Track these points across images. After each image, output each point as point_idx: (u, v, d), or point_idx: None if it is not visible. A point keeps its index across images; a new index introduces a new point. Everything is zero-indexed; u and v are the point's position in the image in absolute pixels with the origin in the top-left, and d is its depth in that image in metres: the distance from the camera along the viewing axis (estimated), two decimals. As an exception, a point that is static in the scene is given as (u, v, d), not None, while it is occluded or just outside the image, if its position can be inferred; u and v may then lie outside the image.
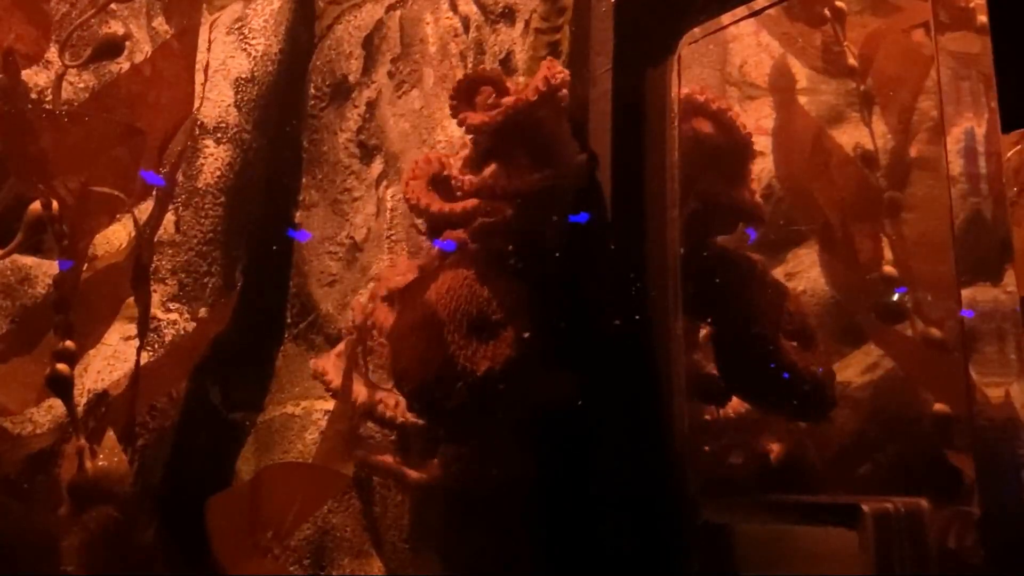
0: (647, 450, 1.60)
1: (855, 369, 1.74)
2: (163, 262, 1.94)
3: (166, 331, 1.88)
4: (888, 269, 1.69)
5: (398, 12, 2.10)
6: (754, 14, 1.65)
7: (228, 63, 2.09)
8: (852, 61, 1.70)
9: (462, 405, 1.51)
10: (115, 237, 1.80)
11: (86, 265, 1.44)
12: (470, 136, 1.63)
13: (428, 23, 2.06)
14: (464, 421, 1.56)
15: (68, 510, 1.33)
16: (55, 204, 1.34)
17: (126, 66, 1.93)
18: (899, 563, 1.31)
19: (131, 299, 1.51)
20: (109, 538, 1.31)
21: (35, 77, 1.89)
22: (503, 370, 1.52)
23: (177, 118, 1.45)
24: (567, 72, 1.60)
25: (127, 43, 1.93)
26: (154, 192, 1.47)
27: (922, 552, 1.33)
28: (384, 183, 2.03)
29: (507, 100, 1.56)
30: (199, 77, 1.47)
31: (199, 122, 2.00)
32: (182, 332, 1.89)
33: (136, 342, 1.69)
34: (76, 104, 1.83)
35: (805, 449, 1.69)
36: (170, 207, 1.84)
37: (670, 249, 1.63)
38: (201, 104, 1.57)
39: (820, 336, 1.79)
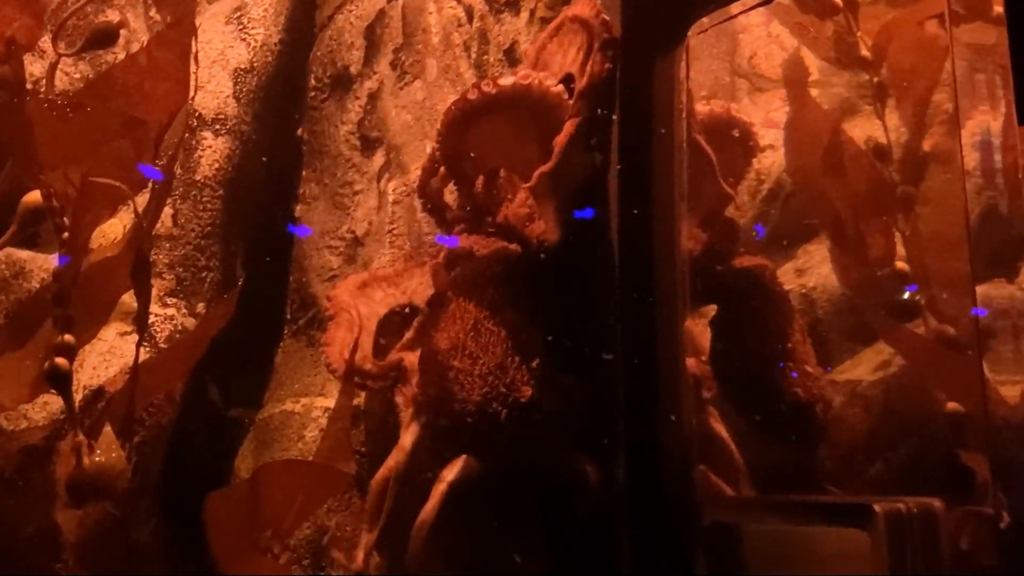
0: (653, 450, 1.60)
1: (867, 367, 1.74)
2: (160, 256, 1.94)
3: (163, 327, 1.89)
4: (901, 265, 1.69)
5: (400, 1, 2.10)
6: (764, 3, 1.66)
7: (227, 53, 2.09)
8: (865, 52, 1.70)
9: (512, 431, 1.52)
10: (110, 230, 1.80)
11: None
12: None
13: (431, 12, 2.06)
14: (510, 447, 1.56)
15: (65, 506, 1.33)
16: (55, 196, 1.34)
17: (122, 56, 1.93)
18: (912, 564, 1.31)
19: (126, 294, 1.51)
20: (107, 535, 1.32)
21: (29, 67, 1.89)
22: (541, 390, 1.53)
23: (172, 109, 1.46)
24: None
25: (123, 32, 1.93)
26: (152, 185, 1.47)
27: (935, 553, 1.33)
28: (386, 176, 2.03)
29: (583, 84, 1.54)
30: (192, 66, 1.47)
31: (197, 113, 2.01)
32: (180, 327, 1.89)
33: (132, 337, 1.70)
34: (71, 94, 1.83)
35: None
36: (167, 200, 1.84)
37: (679, 245, 1.63)
38: (195, 94, 1.58)
39: (830, 336, 1.79)
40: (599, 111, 1.59)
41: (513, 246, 1.58)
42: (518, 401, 1.51)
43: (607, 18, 1.57)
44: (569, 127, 1.54)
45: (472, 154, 1.62)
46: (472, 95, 1.57)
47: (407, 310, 1.80)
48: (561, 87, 1.57)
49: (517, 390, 1.52)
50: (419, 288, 1.79)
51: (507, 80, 1.57)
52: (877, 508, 1.31)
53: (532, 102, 1.56)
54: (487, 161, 1.64)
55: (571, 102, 1.56)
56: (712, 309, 1.73)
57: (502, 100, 1.56)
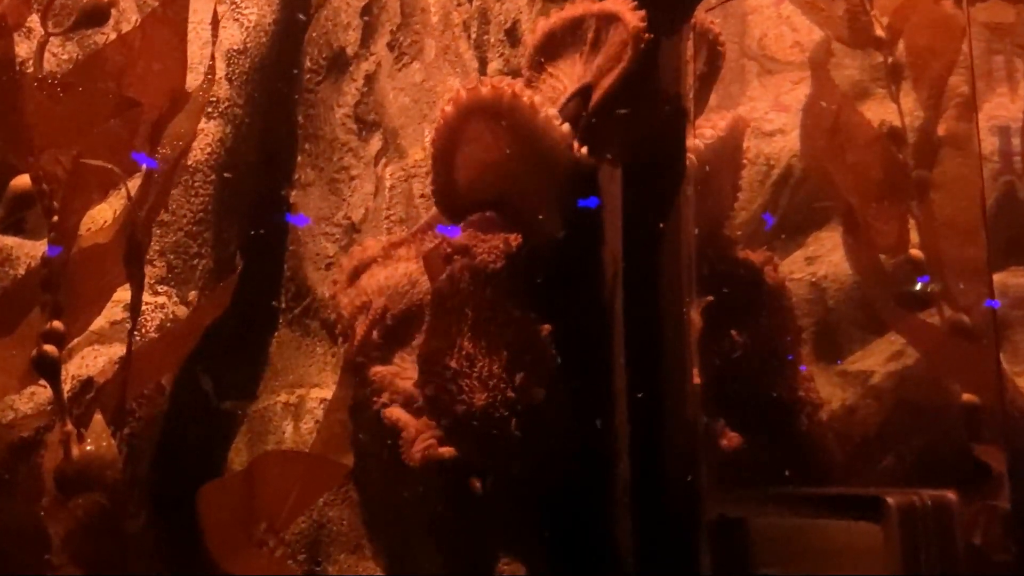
0: (658, 443, 1.61)
1: (879, 357, 1.75)
2: (151, 243, 1.94)
3: (154, 315, 1.89)
4: (915, 252, 1.69)
5: (398, -20, 2.10)
6: (775, -19, 1.66)
7: (220, 34, 2.08)
8: (880, 32, 1.70)
9: (523, 437, 1.52)
10: (100, 215, 1.80)
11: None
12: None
13: (430, -9, 2.06)
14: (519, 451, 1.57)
15: (53, 499, 1.33)
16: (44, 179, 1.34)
17: (111, 35, 1.93)
18: (925, 558, 1.31)
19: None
20: (97, 526, 1.32)
21: (16, 47, 1.89)
22: (550, 394, 1.54)
23: (168, 91, 1.45)
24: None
25: (112, 11, 1.93)
26: (152, 174, 1.46)
27: (950, 547, 1.34)
28: (383, 161, 2.03)
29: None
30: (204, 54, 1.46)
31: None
32: (171, 316, 1.90)
33: (122, 326, 1.71)
34: (61, 75, 1.83)
35: (825, 439, 1.70)
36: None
37: (685, 231, 1.64)
38: (212, 84, 1.58)
39: (841, 326, 1.80)
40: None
41: (513, 238, 1.58)
42: (528, 406, 1.51)
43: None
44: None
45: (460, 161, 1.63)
46: (447, 106, 1.58)
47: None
48: (538, 100, 1.56)
49: (527, 396, 1.52)
50: (411, 263, 1.80)
51: (478, 89, 1.57)
52: (890, 500, 1.31)
53: (503, 113, 1.55)
54: (469, 168, 1.64)
55: (555, 115, 1.56)
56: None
57: (473, 109, 1.56)
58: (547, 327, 1.56)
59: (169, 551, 1.61)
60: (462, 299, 1.56)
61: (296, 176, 2.15)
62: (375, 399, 1.66)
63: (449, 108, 1.58)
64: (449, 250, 1.60)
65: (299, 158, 2.16)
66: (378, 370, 1.67)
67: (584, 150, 1.57)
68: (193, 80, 1.94)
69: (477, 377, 1.52)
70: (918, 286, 1.69)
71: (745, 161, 1.82)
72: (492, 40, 1.96)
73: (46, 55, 1.70)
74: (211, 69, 1.54)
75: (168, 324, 1.88)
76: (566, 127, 1.55)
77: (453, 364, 1.54)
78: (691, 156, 1.65)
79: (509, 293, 1.56)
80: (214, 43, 1.50)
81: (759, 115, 1.99)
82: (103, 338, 1.81)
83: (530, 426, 1.53)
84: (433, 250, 1.65)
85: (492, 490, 1.63)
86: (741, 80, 2.01)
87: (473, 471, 1.58)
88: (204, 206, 2.00)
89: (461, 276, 1.56)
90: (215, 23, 1.56)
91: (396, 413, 1.62)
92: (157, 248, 1.95)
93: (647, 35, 1.54)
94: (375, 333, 1.69)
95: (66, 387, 1.65)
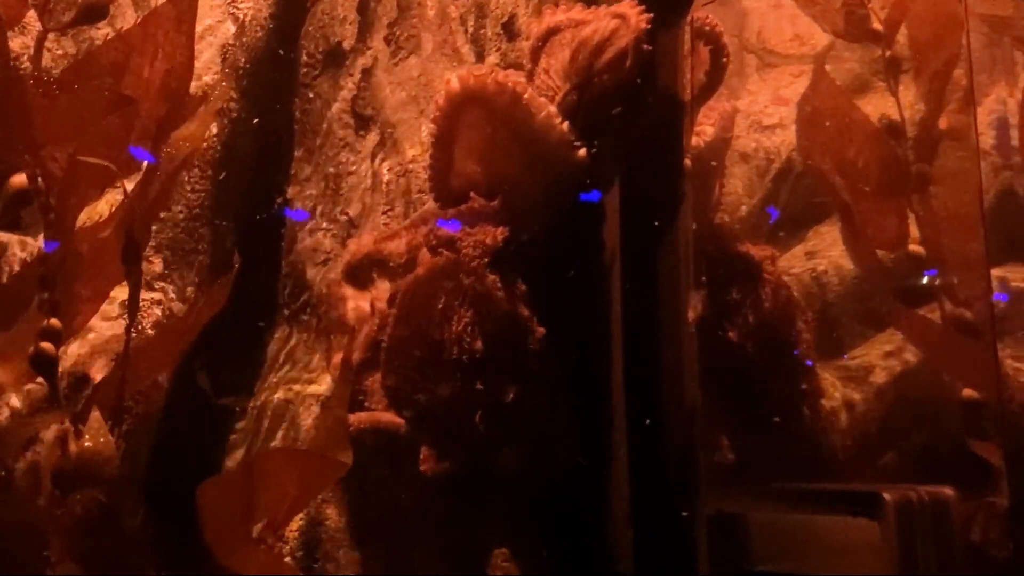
0: (656, 438, 1.62)
1: (879, 352, 1.76)
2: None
3: (150, 311, 1.90)
4: (914, 247, 1.70)
5: (395, -26, 2.11)
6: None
7: (215, 28, 2.10)
8: (877, 25, 1.70)
9: (488, 432, 1.51)
10: (96, 212, 1.81)
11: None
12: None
13: (426, -15, 2.07)
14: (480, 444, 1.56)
15: (51, 496, 1.35)
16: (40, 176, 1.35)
17: (108, 32, 1.95)
18: (923, 555, 1.33)
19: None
20: (95, 523, 1.33)
21: (11, 43, 1.90)
22: (532, 388, 1.53)
23: (172, 91, 1.46)
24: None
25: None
26: (153, 171, 1.47)
27: (947, 543, 1.35)
28: (380, 155, 2.04)
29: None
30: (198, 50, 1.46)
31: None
32: (168, 312, 1.91)
33: (116, 322, 1.72)
34: (57, 72, 1.84)
35: (824, 435, 1.71)
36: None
37: (683, 226, 1.65)
38: (227, 92, 1.59)
39: (841, 321, 1.81)
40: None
41: (500, 231, 1.58)
42: (497, 401, 1.50)
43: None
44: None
45: (458, 144, 1.64)
46: (453, 82, 1.58)
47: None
48: (538, 102, 1.57)
49: (497, 391, 1.51)
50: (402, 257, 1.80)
51: (484, 79, 1.57)
52: (887, 496, 1.32)
53: (500, 110, 1.56)
54: (466, 153, 1.65)
55: (555, 113, 1.57)
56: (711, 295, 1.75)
57: (476, 96, 1.57)
58: (541, 330, 1.57)
59: (167, 548, 1.62)
60: (435, 289, 1.56)
61: (293, 171, 2.16)
62: (365, 404, 1.67)
63: (455, 85, 1.58)
64: (435, 242, 1.61)
65: (296, 153, 2.17)
66: (372, 375, 1.67)
67: (583, 150, 1.58)
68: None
69: (444, 367, 1.52)
70: (922, 280, 1.70)
71: (743, 152, 1.84)
72: (489, 34, 1.97)
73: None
74: (225, 76, 1.54)
75: (165, 321, 1.89)
76: (565, 125, 1.56)
77: (417, 353, 1.53)
78: (692, 151, 1.66)
79: (495, 286, 1.56)
80: (236, 46, 1.50)
81: (758, 109, 2.00)
82: (100, 335, 1.82)
83: (498, 422, 1.51)
84: (424, 244, 1.66)
85: (489, 487, 1.65)
86: (740, 74, 2.02)
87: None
88: (201, 202, 2.02)
89: (443, 269, 1.57)
90: (240, 30, 1.56)
91: (377, 416, 1.63)
92: (153, 244, 1.96)
93: (648, 45, 1.55)
94: (374, 332, 1.70)
95: (63, 384, 1.67)
